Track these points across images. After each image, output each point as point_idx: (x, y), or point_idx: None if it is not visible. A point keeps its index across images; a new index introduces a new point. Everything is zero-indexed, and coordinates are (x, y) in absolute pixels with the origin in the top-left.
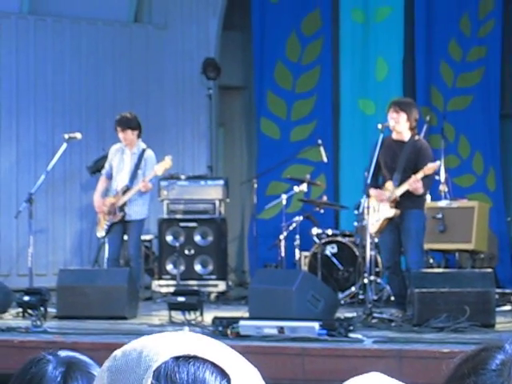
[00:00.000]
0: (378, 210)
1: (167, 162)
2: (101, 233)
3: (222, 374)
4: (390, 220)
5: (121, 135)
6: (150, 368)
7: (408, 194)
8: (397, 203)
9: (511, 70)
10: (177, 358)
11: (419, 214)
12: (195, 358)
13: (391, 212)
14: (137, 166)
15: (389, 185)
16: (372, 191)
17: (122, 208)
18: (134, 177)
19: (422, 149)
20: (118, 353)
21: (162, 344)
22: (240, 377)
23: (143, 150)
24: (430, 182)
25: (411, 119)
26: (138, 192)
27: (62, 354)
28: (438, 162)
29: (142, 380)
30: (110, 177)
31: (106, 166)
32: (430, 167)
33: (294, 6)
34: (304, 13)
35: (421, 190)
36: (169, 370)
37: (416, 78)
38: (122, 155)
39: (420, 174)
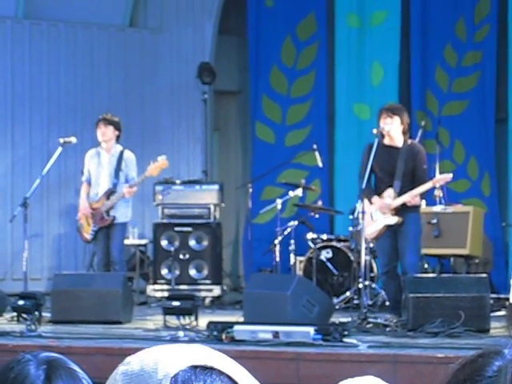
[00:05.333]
0: (377, 218)
1: (161, 162)
2: (86, 239)
3: None
4: (389, 226)
5: (101, 130)
6: (168, 374)
7: None
8: (396, 209)
9: (506, 75)
10: (194, 368)
11: (417, 217)
12: (212, 369)
13: (393, 220)
14: (118, 168)
15: (390, 192)
16: (374, 200)
17: (108, 212)
18: (116, 179)
19: (419, 153)
20: (131, 358)
21: (178, 353)
22: None
23: (121, 152)
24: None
25: (404, 123)
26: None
27: (41, 354)
28: (450, 175)
29: None
30: (90, 182)
31: (85, 172)
32: (441, 178)
33: (290, 11)
34: (299, 17)
35: (419, 203)
36: (186, 378)
37: (411, 83)
38: (98, 159)
39: (422, 188)
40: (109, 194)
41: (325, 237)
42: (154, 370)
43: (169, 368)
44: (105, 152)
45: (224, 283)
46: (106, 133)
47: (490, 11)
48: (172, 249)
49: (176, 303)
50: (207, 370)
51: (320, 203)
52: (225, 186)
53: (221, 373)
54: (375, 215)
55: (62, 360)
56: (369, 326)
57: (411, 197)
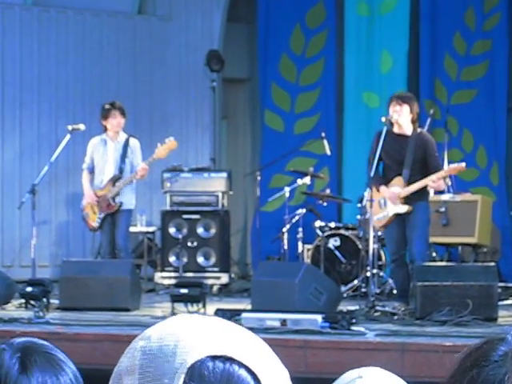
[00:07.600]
0: (385, 205)
1: (169, 143)
2: (93, 227)
3: (255, 379)
4: (398, 214)
5: (117, 120)
6: (185, 363)
7: None
8: (405, 197)
9: None
10: (213, 358)
11: (425, 206)
12: (231, 359)
13: (403, 208)
14: (123, 155)
15: (398, 180)
16: (382, 189)
17: (114, 198)
18: (122, 166)
19: (429, 142)
20: (152, 334)
21: (200, 337)
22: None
23: (127, 139)
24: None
25: (413, 112)
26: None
27: (17, 340)
28: (463, 164)
29: (175, 373)
30: (91, 171)
31: (87, 160)
32: (455, 168)
33: None
34: (309, 5)
35: (443, 187)
36: (203, 370)
37: (420, 71)
38: (104, 147)
39: (441, 173)
40: (115, 180)
41: (333, 225)
42: (173, 353)
43: (187, 355)
44: (110, 140)
45: (232, 271)
46: (121, 123)
47: (500, 0)
48: (180, 236)
49: (184, 291)
50: (226, 360)
51: (328, 191)
52: (233, 174)
53: (240, 364)
54: (385, 203)
55: (38, 345)
56: (376, 314)
57: (432, 180)
